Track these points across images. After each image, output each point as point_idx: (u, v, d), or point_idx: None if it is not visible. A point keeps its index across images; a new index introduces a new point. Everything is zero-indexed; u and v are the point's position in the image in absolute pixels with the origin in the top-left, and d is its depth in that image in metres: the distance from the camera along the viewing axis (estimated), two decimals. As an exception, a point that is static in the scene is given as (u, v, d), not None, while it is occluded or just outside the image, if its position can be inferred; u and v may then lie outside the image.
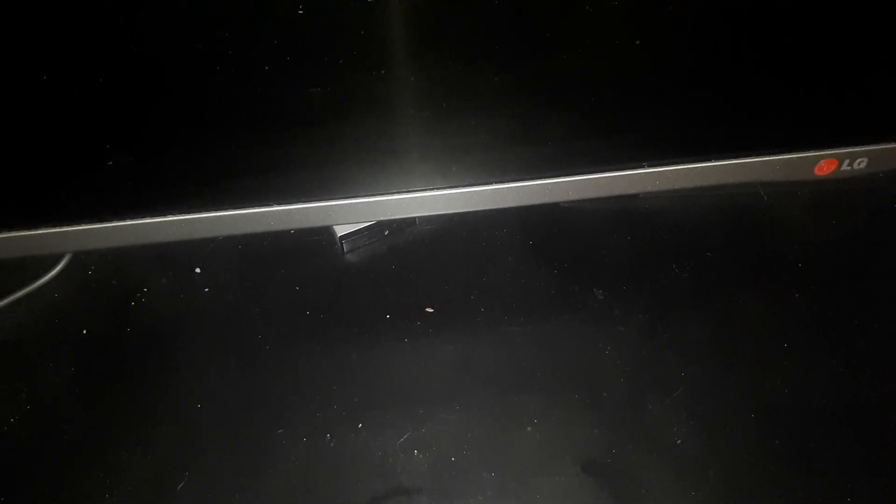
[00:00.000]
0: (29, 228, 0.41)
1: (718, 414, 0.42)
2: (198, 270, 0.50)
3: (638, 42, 0.38)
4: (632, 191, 0.44)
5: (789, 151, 0.44)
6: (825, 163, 0.44)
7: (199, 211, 0.41)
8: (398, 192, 0.43)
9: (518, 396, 0.43)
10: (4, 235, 0.41)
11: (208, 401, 0.44)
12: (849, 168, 0.45)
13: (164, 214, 0.41)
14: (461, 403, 0.43)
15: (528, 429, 0.42)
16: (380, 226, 0.51)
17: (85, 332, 0.47)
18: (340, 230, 0.50)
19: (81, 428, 0.43)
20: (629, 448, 0.41)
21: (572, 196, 0.44)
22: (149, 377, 0.45)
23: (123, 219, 0.42)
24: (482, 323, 0.47)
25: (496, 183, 0.43)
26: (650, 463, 0.41)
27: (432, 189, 0.43)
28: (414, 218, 0.52)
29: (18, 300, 0.48)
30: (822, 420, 0.42)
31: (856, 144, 0.44)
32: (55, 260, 0.50)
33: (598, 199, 0.52)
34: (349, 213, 0.43)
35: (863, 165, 0.45)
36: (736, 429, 0.42)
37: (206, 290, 0.49)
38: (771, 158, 0.44)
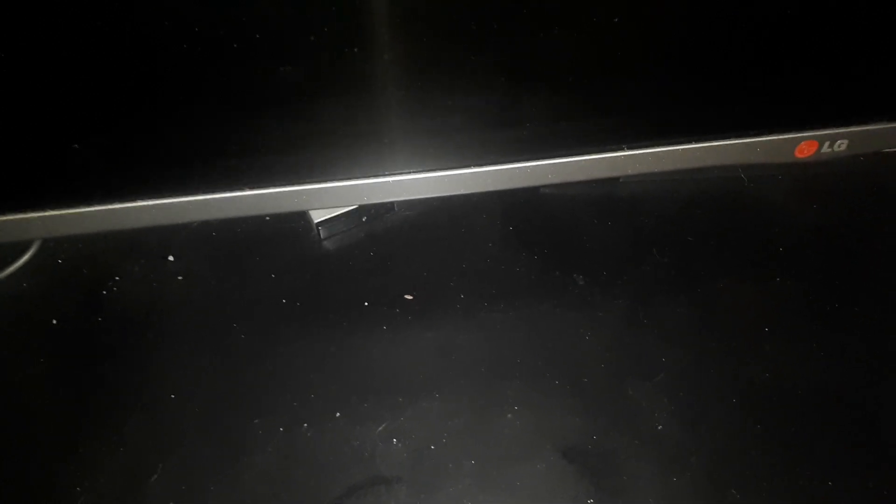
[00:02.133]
0: (-5, 214, 0.40)
1: (700, 400, 0.42)
2: (171, 258, 0.49)
3: (617, 21, 0.38)
4: (612, 174, 0.44)
5: (770, 133, 0.44)
6: (805, 145, 0.44)
7: (171, 196, 0.40)
8: (375, 176, 0.42)
9: (498, 383, 0.43)
10: (-31, 222, 0.40)
11: (182, 391, 0.43)
12: (829, 150, 0.45)
13: (135, 199, 0.40)
14: (440, 391, 0.43)
15: (509, 416, 0.42)
16: (357, 212, 0.50)
17: (55, 321, 0.46)
18: (317, 216, 0.49)
19: (52, 420, 0.42)
20: (610, 434, 0.41)
21: (552, 179, 0.43)
22: (121, 368, 0.44)
23: (92, 204, 0.40)
24: (462, 310, 0.46)
25: (475, 166, 0.42)
26: (631, 449, 0.40)
27: (410, 172, 0.42)
28: (392, 204, 0.51)
29: (-15, 290, 0.47)
30: (804, 406, 0.42)
31: (836, 126, 0.44)
32: (24, 248, 0.48)
33: (579, 184, 0.52)
34: (324, 198, 0.42)
35: (843, 147, 0.45)
36: (717, 415, 0.42)
37: (180, 278, 0.48)
38: (751, 140, 0.43)
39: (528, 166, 0.43)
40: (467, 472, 0.40)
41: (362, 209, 0.50)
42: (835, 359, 0.44)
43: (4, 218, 0.40)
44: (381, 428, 0.41)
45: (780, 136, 0.44)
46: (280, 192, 0.41)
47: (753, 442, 0.41)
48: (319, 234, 0.50)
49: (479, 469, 0.40)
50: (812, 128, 0.44)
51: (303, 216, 0.50)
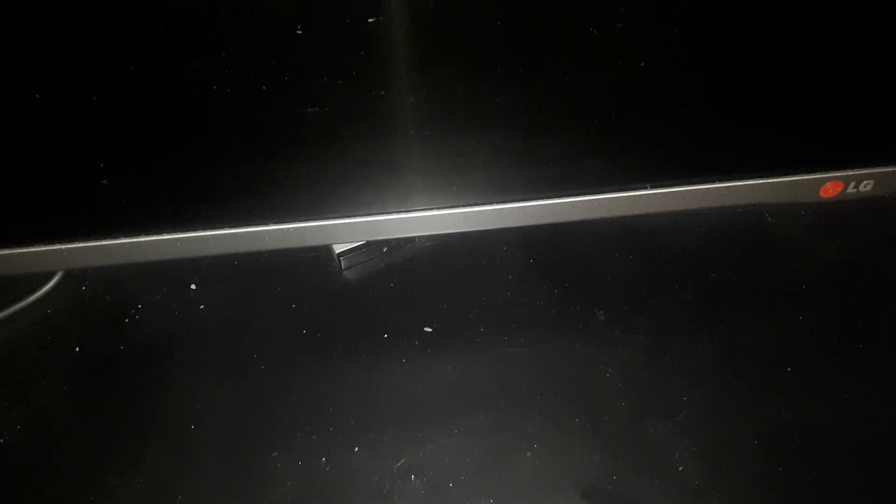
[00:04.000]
0: (22, 246, 0.41)
1: (721, 440, 0.42)
2: (193, 287, 0.49)
3: (643, 64, 0.38)
4: (635, 212, 0.44)
5: (795, 174, 0.43)
6: (831, 185, 0.44)
7: (195, 230, 0.41)
8: (397, 212, 0.42)
9: (517, 420, 0.43)
10: (-3, 252, 0.41)
11: (202, 421, 0.43)
12: (855, 190, 0.44)
13: (159, 233, 0.41)
14: (459, 426, 0.43)
15: (528, 454, 0.41)
16: (378, 243, 0.50)
17: (77, 349, 0.46)
18: (338, 247, 0.49)
19: (73, 448, 0.42)
20: (630, 474, 0.41)
21: (575, 217, 0.43)
22: (142, 396, 0.44)
23: (118, 237, 0.41)
24: (481, 343, 0.46)
25: (497, 203, 0.42)
26: (652, 490, 0.40)
27: (432, 209, 0.42)
28: (413, 235, 0.51)
29: (10, 316, 0.48)
30: (827, 447, 0.41)
31: (862, 166, 0.44)
32: (48, 275, 0.49)
33: (601, 219, 0.51)
34: (347, 233, 0.43)
35: (869, 188, 0.44)
36: (739, 455, 0.41)
37: (202, 306, 0.48)
38: (776, 180, 0.43)
39: (551, 204, 0.42)
40: (486, 510, 0.40)
41: (383, 240, 0.50)
42: (859, 400, 0.43)
43: (30, 249, 0.41)
44: (399, 464, 0.41)
45: (806, 177, 0.43)
46: (303, 226, 0.41)
47: (775, 484, 0.40)
48: (340, 265, 0.50)
49: (498, 508, 0.40)
50: (837, 168, 0.43)
51: (324, 246, 0.50)
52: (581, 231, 0.52)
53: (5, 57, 0.34)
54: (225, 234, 0.41)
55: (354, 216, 0.42)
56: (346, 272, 0.50)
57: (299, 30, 0.34)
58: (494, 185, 0.42)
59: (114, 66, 0.35)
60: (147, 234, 0.41)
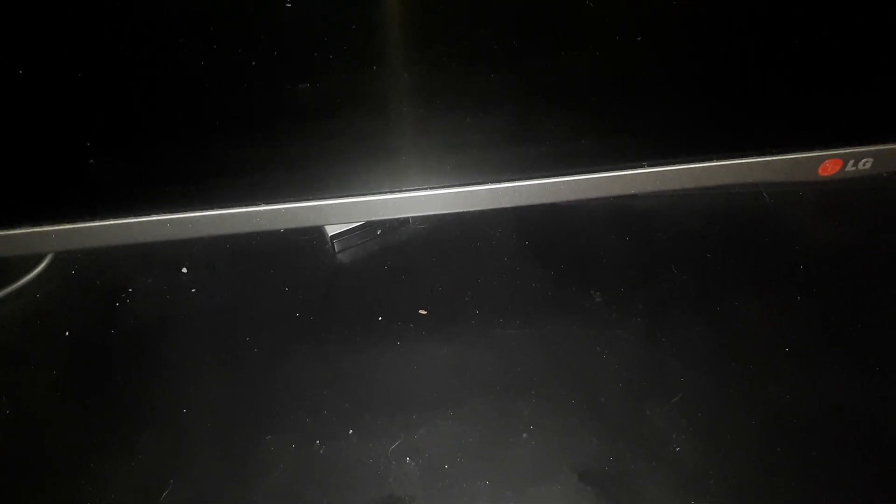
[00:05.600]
0: (9, 228, 0.40)
1: (718, 421, 0.41)
2: (184, 270, 0.49)
3: (639, 39, 0.37)
4: (631, 191, 0.43)
5: (793, 151, 0.43)
6: (830, 163, 0.43)
7: (185, 210, 0.40)
8: (391, 192, 0.42)
9: (513, 402, 0.42)
10: (-17, 235, 0.40)
11: (195, 405, 0.43)
12: (854, 168, 0.44)
13: (149, 214, 0.40)
14: (455, 409, 0.42)
15: (524, 435, 0.41)
16: (372, 225, 0.49)
17: (68, 333, 0.46)
18: (331, 229, 0.49)
19: (63, 433, 0.42)
20: (627, 456, 0.40)
21: (570, 196, 0.43)
22: (133, 380, 0.44)
23: (107, 218, 0.40)
24: (477, 325, 0.46)
25: (492, 182, 0.42)
26: (649, 471, 0.40)
27: (426, 188, 0.42)
28: (407, 217, 0.50)
29: (-1, 300, 0.47)
30: (824, 428, 0.41)
31: (861, 144, 0.43)
32: (37, 259, 0.48)
33: (597, 199, 0.51)
34: (340, 213, 0.42)
35: (868, 166, 0.44)
36: (736, 436, 0.41)
37: (193, 290, 0.48)
38: (774, 158, 0.43)
39: (546, 183, 0.42)
40: (482, 493, 0.39)
41: (377, 222, 0.49)
42: (857, 380, 0.43)
43: (19, 231, 0.40)
44: (394, 446, 0.41)
45: (804, 155, 0.43)
46: (295, 207, 0.41)
47: (773, 465, 0.40)
48: (334, 247, 0.49)
49: (494, 490, 0.39)
50: (836, 146, 0.43)
51: (317, 229, 0.50)
52: (577, 212, 0.51)
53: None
54: (216, 214, 0.41)
55: (347, 196, 0.41)
56: (339, 255, 0.50)
57: (289, 2, 0.33)
58: (489, 165, 0.42)
59: (101, 44, 0.34)
60: (137, 215, 0.40)
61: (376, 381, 0.43)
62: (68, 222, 0.40)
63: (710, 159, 0.42)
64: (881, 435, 0.41)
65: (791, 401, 0.42)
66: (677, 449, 0.40)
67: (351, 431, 0.41)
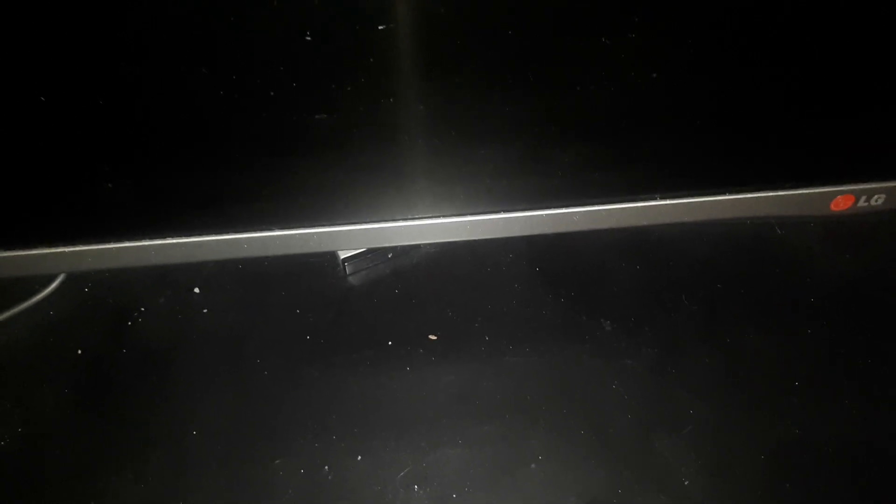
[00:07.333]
0: (24, 248, 0.40)
1: (728, 454, 0.41)
2: (196, 290, 0.49)
3: (654, 75, 0.37)
4: (643, 223, 0.43)
5: (805, 186, 0.43)
6: (842, 198, 0.43)
7: (199, 234, 0.40)
8: (403, 219, 0.42)
9: (522, 431, 0.42)
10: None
11: (204, 427, 0.43)
12: (866, 204, 0.44)
13: (164, 237, 0.40)
14: (464, 437, 0.42)
15: (533, 466, 0.41)
16: (383, 249, 0.49)
17: (79, 352, 0.46)
18: (343, 252, 0.49)
19: (73, 452, 0.42)
20: (635, 488, 0.40)
21: (582, 227, 0.43)
22: (144, 400, 0.44)
23: (121, 240, 0.41)
24: (486, 352, 0.46)
25: (504, 212, 0.42)
26: (657, 504, 0.40)
27: (438, 217, 0.42)
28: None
29: (11, 318, 0.47)
30: (834, 463, 0.41)
31: (873, 180, 0.43)
32: (50, 278, 0.48)
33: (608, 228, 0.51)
34: (352, 240, 0.42)
35: (880, 202, 0.44)
36: (745, 470, 0.41)
37: (205, 311, 0.48)
38: (786, 193, 0.43)
39: (558, 213, 0.42)
40: (489, 523, 0.39)
41: (388, 246, 0.49)
42: (866, 416, 0.43)
43: (33, 252, 0.40)
44: (402, 473, 0.41)
45: (816, 190, 0.43)
46: (308, 233, 0.41)
47: (782, 500, 0.40)
48: (345, 271, 0.49)
49: (502, 521, 0.39)
50: (849, 181, 0.43)
51: (329, 252, 0.50)
52: (588, 240, 0.51)
53: (9, 59, 0.34)
54: (229, 238, 0.41)
55: (360, 223, 0.41)
56: (350, 278, 0.50)
57: (308, 36, 0.33)
58: (502, 194, 0.42)
59: (120, 69, 0.35)
60: (151, 237, 0.41)
61: (385, 407, 0.43)
62: (82, 243, 0.41)
63: (723, 192, 0.42)
64: (893, 470, 0.41)
65: (800, 435, 0.42)
66: (686, 482, 0.40)
67: (360, 457, 0.41)
